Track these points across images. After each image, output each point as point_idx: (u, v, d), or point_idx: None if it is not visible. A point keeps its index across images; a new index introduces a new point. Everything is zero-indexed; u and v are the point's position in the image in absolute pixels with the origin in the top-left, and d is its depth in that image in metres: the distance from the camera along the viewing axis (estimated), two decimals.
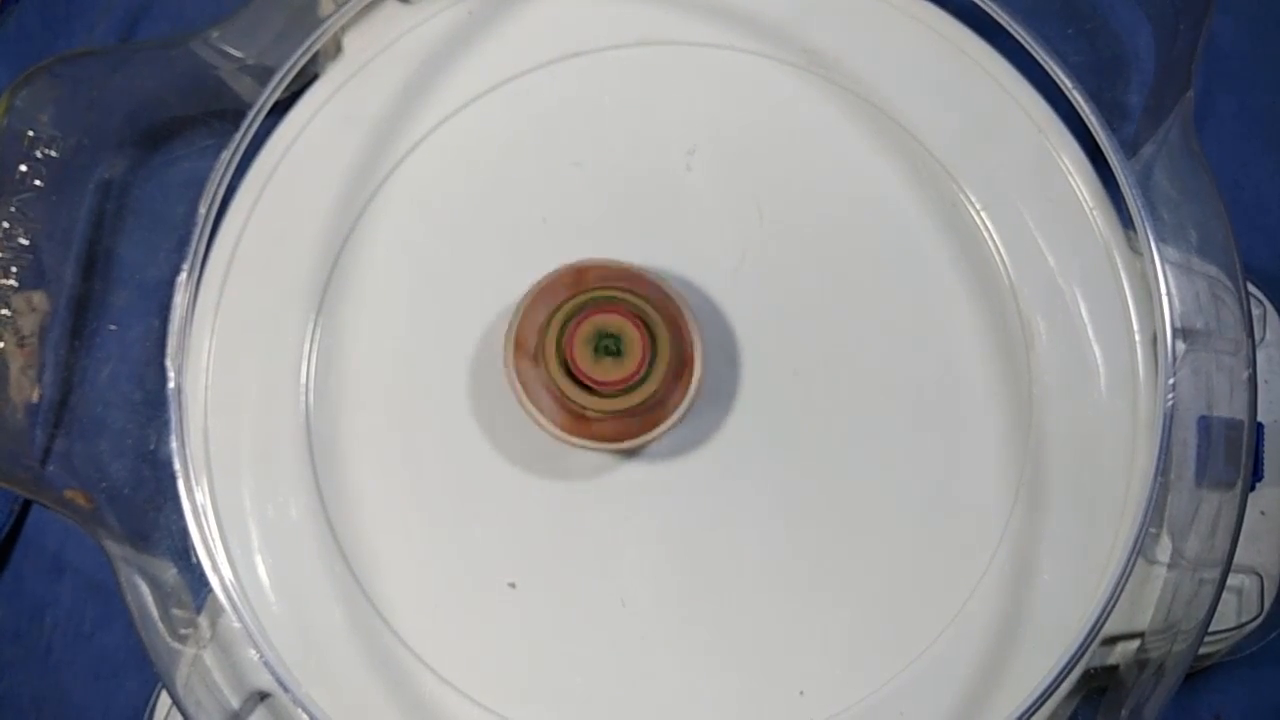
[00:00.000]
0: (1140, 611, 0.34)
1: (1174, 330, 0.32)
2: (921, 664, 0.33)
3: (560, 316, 0.32)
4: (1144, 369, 0.34)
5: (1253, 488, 0.34)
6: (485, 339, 0.35)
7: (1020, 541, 0.34)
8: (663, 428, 0.32)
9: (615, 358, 0.32)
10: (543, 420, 0.32)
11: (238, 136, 0.33)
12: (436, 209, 0.36)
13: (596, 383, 0.32)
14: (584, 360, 0.32)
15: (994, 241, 0.35)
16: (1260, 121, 0.43)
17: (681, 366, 0.33)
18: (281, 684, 0.31)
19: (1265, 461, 0.36)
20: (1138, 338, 0.34)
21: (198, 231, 0.33)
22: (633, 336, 0.32)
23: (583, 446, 0.33)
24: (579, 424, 0.33)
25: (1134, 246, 0.35)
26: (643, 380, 0.32)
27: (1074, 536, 0.34)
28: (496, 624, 0.34)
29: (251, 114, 0.34)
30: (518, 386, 0.32)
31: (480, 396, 0.35)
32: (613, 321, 0.32)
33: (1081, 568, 0.33)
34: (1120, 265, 0.35)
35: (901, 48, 0.36)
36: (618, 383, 0.32)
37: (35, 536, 0.41)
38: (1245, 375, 0.32)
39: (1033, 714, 0.31)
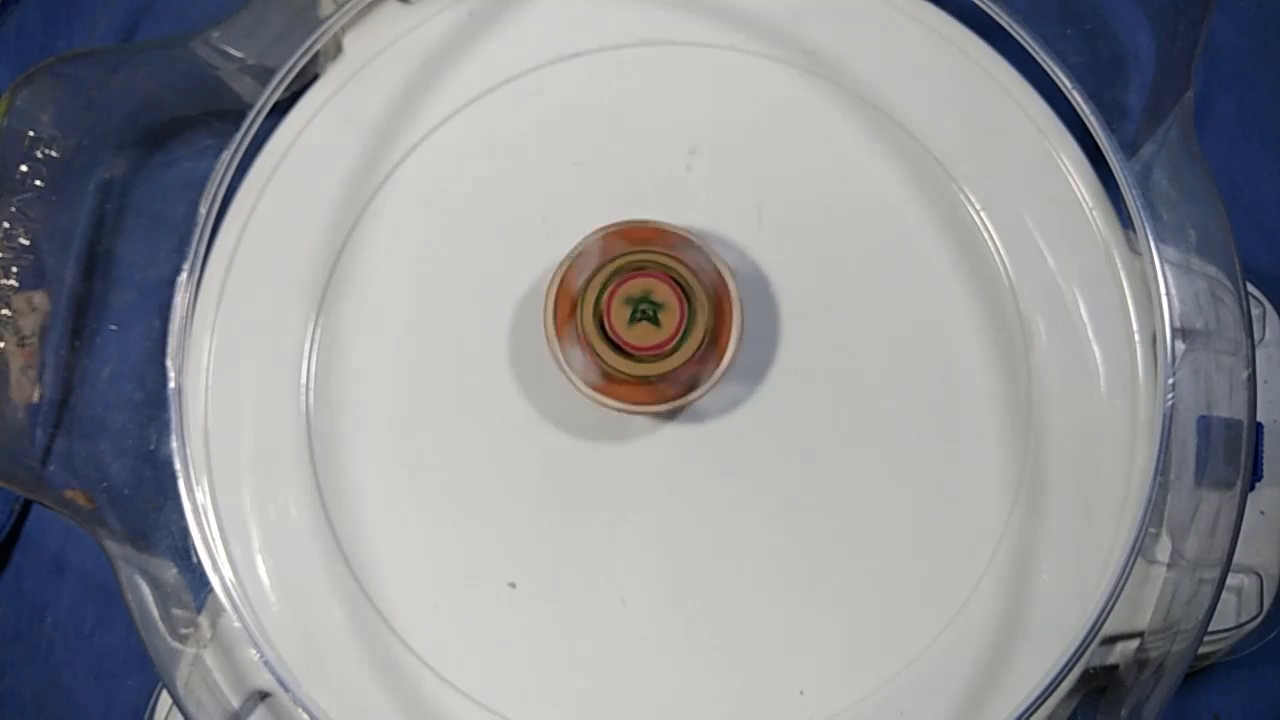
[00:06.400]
0: (1140, 611, 0.34)
1: (1173, 330, 0.32)
2: (921, 664, 0.33)
3: (603, 275, 0.33)
4: (1144, 369, 0.34)
5: (1252, 488, 0.34)
6: (485, 338, 0.35)
7: (1020, 541, 0.34)
8: (701, 390, 0.33)
9: (652, 324, 0.32)
10: (564, 365, 0.33)
11: (238, 137, 0.33)
12: (436, 209, 0.36)
13: (631, 346, 0.32)
14: (619, 322, 0.32)
15: (994, 241, 0.35)
16: (1260, 121, 0.43)
17: (717, 334, 0.33)
18: (282, 684, 0.31)
19: (1265, 461, 0.36)
20: (1137, 338, 0.34)
21: (198, 232, 0.33)
22: (671, 303, 0.32)
23: (609, 406, 0.33)
24: (610, 382, 0.33)
25: (1133, 246, 0.35)
26: (676, 347, 0.32)
27: (1073, 536, 0.34)
28: (496, 624, 0.34)
29: (252, 114, 0.34)
30: (552, 333, 0.33)
31: (480, 396, 0.35)
32: (653, 286, 0.32)
33: (1081, 568, 0.33)
34: (1120, 265, 0.35)
35: (902, 48, 0.36)
36: (652, 348, 0.32)
37: (35, 536, 0.41)
38: (1245, 375, 0.32)
39: (1032, 714, 0.31)
